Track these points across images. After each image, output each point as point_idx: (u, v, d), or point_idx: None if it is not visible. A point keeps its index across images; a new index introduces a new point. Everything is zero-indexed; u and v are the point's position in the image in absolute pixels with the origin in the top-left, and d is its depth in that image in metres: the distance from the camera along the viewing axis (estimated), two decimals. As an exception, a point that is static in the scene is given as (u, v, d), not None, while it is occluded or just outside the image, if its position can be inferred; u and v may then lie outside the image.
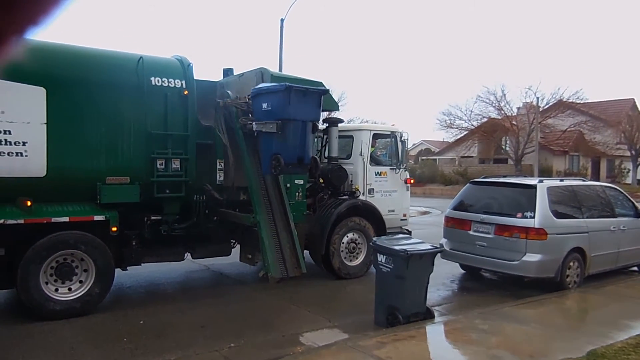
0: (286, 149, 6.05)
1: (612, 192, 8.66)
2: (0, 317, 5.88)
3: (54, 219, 5.61)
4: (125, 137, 6.26)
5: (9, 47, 0.47)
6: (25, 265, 5.44)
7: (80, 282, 5.81)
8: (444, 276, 8.14)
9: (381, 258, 5.64)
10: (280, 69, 15.03)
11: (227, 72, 8.04)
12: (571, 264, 7.30)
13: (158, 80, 6.44)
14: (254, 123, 6.35)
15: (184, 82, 6.61)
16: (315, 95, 6.20)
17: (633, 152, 33.89)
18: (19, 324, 5.41)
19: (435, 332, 5.54)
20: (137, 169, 6.30)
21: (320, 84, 7.96)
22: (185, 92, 6.58)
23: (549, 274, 7.08)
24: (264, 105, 6.23)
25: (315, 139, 8.53)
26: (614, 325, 5.72)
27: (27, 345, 4.90)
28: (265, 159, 6.32)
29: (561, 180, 8.24)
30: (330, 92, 8.07)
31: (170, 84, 6.52)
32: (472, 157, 37.65)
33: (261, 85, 6.73)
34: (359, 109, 77.37)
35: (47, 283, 5.61)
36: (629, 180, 34.43)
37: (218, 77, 8.03)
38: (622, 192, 8.87)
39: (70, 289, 5.75)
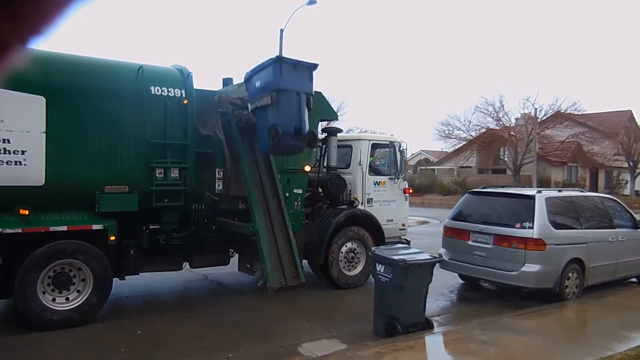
0: (282, 119, 6.03)
1: (610, 203, 8.68)
2: (-4, 326, 5.83)
3: (52, 228, 5.59)
4: (124, 146, 6.27)
5: (12, 56, 0.48)
6: (23, 274, 5.41)
7: (78, 291, 5.78)
8: (443, 286, 8.12)
9: (380, 268, 5.63)
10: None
11: (227, 81, 8.08)
12: (570, 274, 7.28)
13: (158, 90, 6.47)
14: (248, 104, 6.36)
15: (183, 91, 6.64)
16: (305, 69, 6.24)
17: (631, 163, 34.03)
18: (16, 334, 5.37)
19: (434, 343, 5.52)
20: (136, 178, 6.30)
21: (320, 94, 8.00)
22: (185, 102, 6.61)
23: (547, 285, 7.06)
24: (257, 84, 6.30)
25: (314, 149, 8.56)
26: (613, 336, 5.69)
27: (24, 355, 4.85)
28: (263, 134, 6.27)
29: (559, 191, 8.26)
30: (328, 99, 8.13)
31: (170, 93, 6.54)
32: (470, 167, 37.74)
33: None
34: (358, 118, 77.79)
35: (44, 293, 5.58)
36: (626, 192, 34.54)
37: (218, 86, 8.08)
38: (620, 203, 8.89)
39: (67, 299, 5.72)
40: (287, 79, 6.02)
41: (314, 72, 6.34)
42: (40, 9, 0.46)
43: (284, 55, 5.95)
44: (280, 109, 6.00)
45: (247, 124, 6.62)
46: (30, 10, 0.45)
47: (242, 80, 7.54)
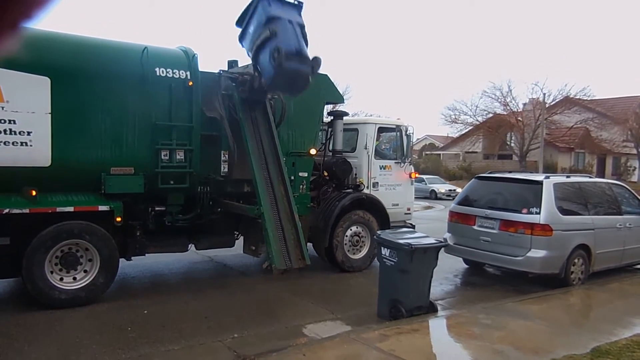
0: (282, 43, 6.06)
1: (618, 190, 8.59)
2: (6, 305, 5.92)
3: (58, 209, 5.62)
4: (129, 128, 6.25)
5: (2, 41, 0.46)
6: (31, 254, 5.47)
7: (85, 271, 5.83)
8: (447, 270, 8.13)
9: (385, 251, 5.63)
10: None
11: (232, 63, 8.00)
12: (576, 260, 7.26)
13: (163, 71, 6.41)
14: (249, 51, 6.41)
15: (188, 73, 6.58)
16: (292, 7, 6.35)
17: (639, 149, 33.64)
18: (25, 312, 5.45)
19: (438, 326, 5.54)
20: (141, 160, 6.29)
21: (326, 77, 7.92)
22: (190, 83, 6.55)
23: (553, 270, 7.05)
24: (251, 29, 6.36)
25: (320, 132, 8.51)
26: (618, 322, 5.69)
27: (33, 333, 4.93)
28: (266, 64, 6.25)
29: (567, 177, 8.18)
30: (333, 81, 8.04)
31: (175, 75, 6.49)
32: (476, 152, 37.54)
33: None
34: (363, 102, 77.09)
35: (52, 272, 5.64)
36: (634, 178, 34.23)
37: (223, 68, 7.98)
38: (628, 190, 8.80)
39: (75, 278, 5.78)
40: (276, 9, 6.15)
41: (301, 12, 6.43)
42: None
43: None
44: (278, 36, 6.05)
45: (250, 88, 6.62)
46: None
47: (238, 37, 7.41)
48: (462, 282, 8.04)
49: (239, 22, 6.59)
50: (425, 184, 27.02)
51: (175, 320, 5.45)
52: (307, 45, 6.30)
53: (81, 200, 5.89)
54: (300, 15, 6.36)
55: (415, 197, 28.17)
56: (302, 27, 6.27)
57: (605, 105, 34.00)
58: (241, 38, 6.58)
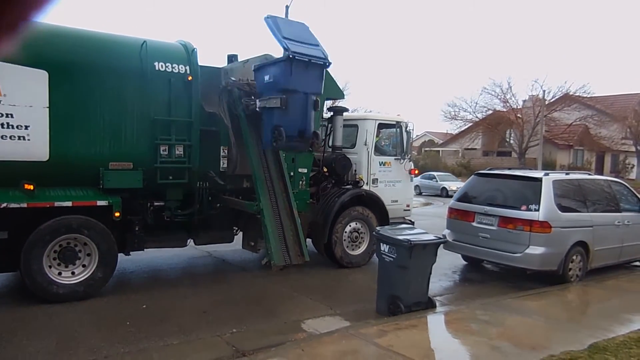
0: (287, 121, 5.99)
1: (617, 187, 8.60)
2: (4, 299, 5.91)
3: (57, 203, 5.60)
4: (128, 122, 6.22)
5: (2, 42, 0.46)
6: (29, 248, 5.45)
7: (84, 266, 5.83)
8: (446, 267, 8.14)
9: (384, 247, 5.63)
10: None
11: (232, 58, 7.97)
12: (574, 257, 7.28)
13: (162, 65, 6.38)
14: (257, 100, 6.29)
15: (188, 67, 6.55)
16: (317, 68, 6.10)
17: (638, 147, 33.66)
18: (24, 306, 5.45)
19: (436, 322, 5.55)
20: (140, 155, 6.27)
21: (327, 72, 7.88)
22: (190, 78, 6.52)
23: (551, 267, 7.07)
24: (266, 78, 6.21)
25: (320, 127, 8.48)
26: (615, 319, 5.71)
27: (32, 327, 4.93)
28: (267, 133, 6.25)
29: (567, 174, 8.18)
30: (334, 79, 8.01)
31: (174, 69, 6.45)
32: (475, 149, 37.54)
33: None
34: (363, 99, 76.96)
35: (50, 267, 5.63)
36: (632, 176, 34.27)
37: (222, 63, 7.97)
38: (627, 187, 8.81)
39: (73, 273, 5.77)
40: (297, 79, 5.90)
41: (325, 70, 6.26)
42: None
43: (294, 52, 5.81)
44: (287, 111, 5.94)
45: (254, 113, 6.54)
46: None
47: (245, 65, 7.46)
48: (461, 278, 8.06)
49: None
50: (437, 181, 26.56)
51: (174, 315, 5.45)
52: (317, 107, 6.31)
53: (79, 195, 5.87)
54: (322, 74, 6.17)
55: (426, 195, 27.95)
56: (317, 95, 6.19)
57: (605, 103, 33.97)
58: (255, 71, 6.55)
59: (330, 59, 6.17)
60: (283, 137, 5.97)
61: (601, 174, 28.86)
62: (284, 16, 16.88)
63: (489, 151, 37.74)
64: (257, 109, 6.31)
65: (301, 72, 5.90)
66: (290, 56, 5.78)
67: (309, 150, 7.26)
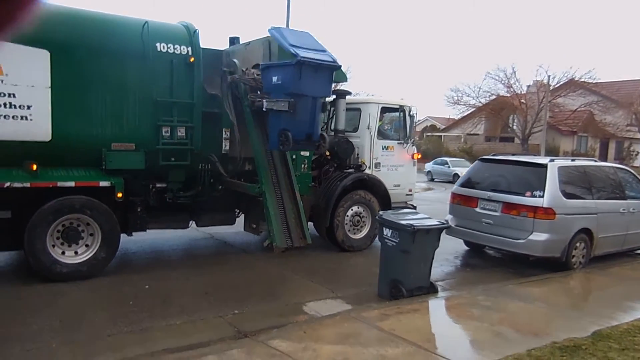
0: (295, 125, 5.95)
1: (623, 174, 8.52)
2: (8, 277, 5.95)
3: (59, 184, 5.59)
4: (130, 103, 6.17)
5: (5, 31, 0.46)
6: (32, 228, 5.46)
7: (87, 246, 5.84)
8: (448, 252, 8.14)
9: (387, 232, 5.61)
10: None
11: (234, 40, 7.85)
12: (578, 244, 7.25)
13: (164, 46, 6.30)
14: (264, 101, 6.19)
15: (190, 48, 6.46)
16: (326, 71, 6.03)
17: (644, 134, 33.41)
18: (27, 285, 5.48)
19: (438, 307, 5.56)
20: (142, 136, 6.23)
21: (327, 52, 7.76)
22: (192, 59, 6.44)
23: (554, 254, 7.05)
24: (274, 79, 6.11)
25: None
26: (618, 306, 5.72)
27: (36, 305, 4.96)
28: (273, 135, 6.21)
29: (572, 160, 8.11)
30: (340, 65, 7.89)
31: (176, 51, 6.37)
32: (478, 134, 37.30)
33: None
34: (365, 83, 76.29)
35: (54, 246, 5.65)
36: (637, 163, 34.06)
37: (224, 45, 7.86)
38: (633, 174, 8.74)
39: (76, 253, 5.79)
40: (305, 83, 5.83)
41: (335, 72, 6.19)
42: None
43: (303, 57, 5.74)
44: (294, 115, 5.88)
45: (259, 109, 6.45)
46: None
47: (247, 47, 7.34)
48: (463, 264, 8.07)
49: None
50: (449, 167, 26.12)
51: (176, 295, 5.48)
52: (326, 109, 6.44)
53: (82, 175, 5.85)
54: (332, 77, 6.10)
55: (438, 181, 27.60)
56: (325, 97, 6.14)
57: (611, 89, 33.57)
58: (263, 70, 6.46)
59: (333, 42, 6.14)
60: (290, 141, 5.96)
61: (605, 161, 28.72)
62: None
63: (492, 137, 37.50)
64: (264, 109, 6.24)
65: (310, 76, 5.85)
66: (300, 60, 5.72)
67: (317, 150, 7.48)
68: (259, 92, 6.58)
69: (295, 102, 5.83)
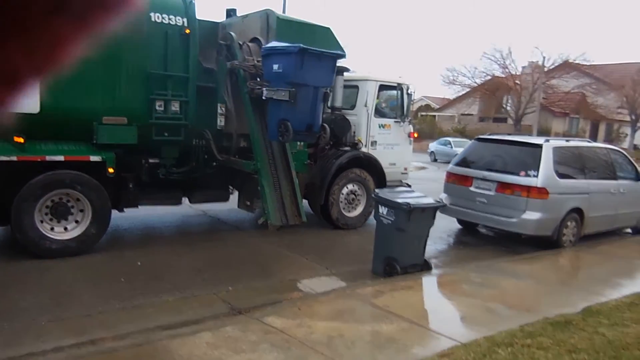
0: (295, 115, 5.83)
1: (615, 155, 8.59)
2: (-4, 253, 5.85)
3: (48, 158, 5.46)
4: (122, 75, 5.99)
5: (22, 89, 0.38)
6: (19, 203, 5.34)
7: (76, 222, 5.74)
8: (441, 230, 8.16)
9: (382, 210, 5.59)
10: (284, 12, 14.38)
11: (231, 12, 7.64)
12: (569, 223, 7.33)
13: (158, 17, 6.09)
14: (264, 89, 6.05)
15: (185, 20, 6.26)
16: (329, 60, 5.91)
17: (633, 117, 33.62)
18: (14, 261, 5.38)
19: (432, 284, 5.61)
20: (134, 110, 6.07)
21: (329, 30, 7.60)
22: (187, 31, 6.25)
23: (546, 233, 7.12)
24: (275, 67, 5.95)
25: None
26: (606, 283, 5.81)
27: (24, 282, 4.89)
28: (273, 125, 6.08)
29: (567, 141, 8.12)
30: (336, 37, 7.73)
31: (171, 21, 6.17)
32: (472, 115, 37.28)
33: (274, 44, 6.37)
34: (361, 61, 75.62)
35: (42, 222, 5.54)
36: (625, 145, 34.38)
37: (221, 18, 7.65)
38: (625, 156, 8.80)
39: (66, 229, 5.69)
40: (307, 72, 5.68)
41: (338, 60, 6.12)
42: (59, 37, 0.35)
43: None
44: (295, 105, 5.73)
45: (258, 97, 6.30)
46: (46, 39, 0.35)
47: (244, 20, 7.12)
48: (456, 242, 8.12)
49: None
50: (452, 147, 25.49)
51: (169, 272, 5.44)
52: (328, 99, 6.34)
53: (72, 149, 5.71)
54: (334, 66, 6.00)
55: (441, 161, 27.38)
56: (327, 87, 6.00)
57: (604, 71, 33.55)
58: (264, 57, 6.26)
59: (331, 19, 6.01)
60: (290, 132, 5.84)
61: (595, 142, 28.87)
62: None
63: (486, 117, 37.49)
64: (264, 98, 6.09)
65: (313, 65, 5.70)
66: (303, 48, 5.58)
67: (317, 140, 7.33)
68: (258, 79, 6.43)
69: (296, 92, 5.69)
